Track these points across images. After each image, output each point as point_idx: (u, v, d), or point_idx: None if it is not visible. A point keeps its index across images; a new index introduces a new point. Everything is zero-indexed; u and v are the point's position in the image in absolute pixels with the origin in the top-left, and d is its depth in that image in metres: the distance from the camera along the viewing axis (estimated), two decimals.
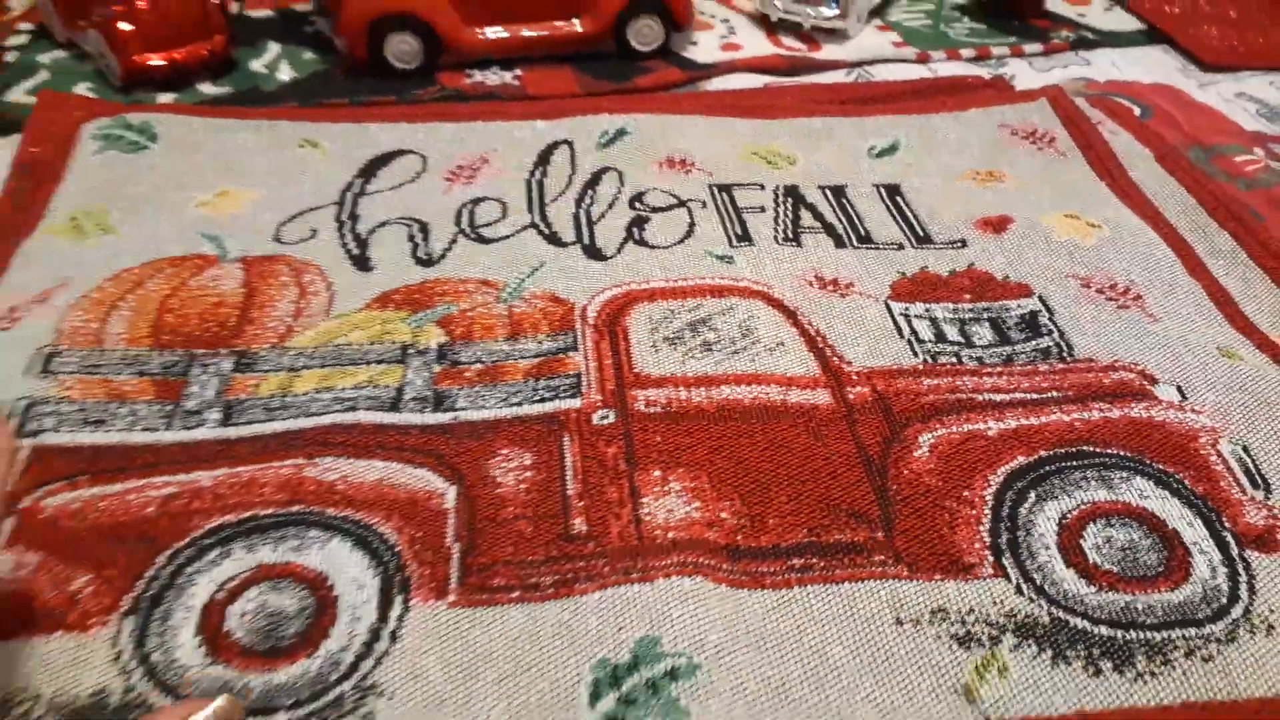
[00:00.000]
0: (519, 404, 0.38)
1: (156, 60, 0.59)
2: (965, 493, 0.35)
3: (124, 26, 0.58)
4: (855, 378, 0.40)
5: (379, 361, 0.40)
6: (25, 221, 0.47)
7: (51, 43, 0.65)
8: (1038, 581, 0.33)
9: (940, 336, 0.42)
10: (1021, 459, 0.36)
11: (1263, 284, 0.46)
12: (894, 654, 0.30)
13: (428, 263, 0.46)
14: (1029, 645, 0.31)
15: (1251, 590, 0.33)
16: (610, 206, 0.50)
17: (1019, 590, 0.32)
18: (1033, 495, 0.35)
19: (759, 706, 0.29)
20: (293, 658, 0.30)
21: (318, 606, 0.31)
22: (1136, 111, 0.61)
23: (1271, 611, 0.32)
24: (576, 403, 0.38)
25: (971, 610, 0.32)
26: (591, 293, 0.44)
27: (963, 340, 0.42)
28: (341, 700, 0.29)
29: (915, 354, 0.41)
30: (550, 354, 0.41)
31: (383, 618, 0.31)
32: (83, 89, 0.60)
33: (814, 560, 0.33)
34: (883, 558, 0.33)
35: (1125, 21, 0.74)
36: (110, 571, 0.32)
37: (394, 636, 0.31)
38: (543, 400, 0.39)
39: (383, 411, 0.38)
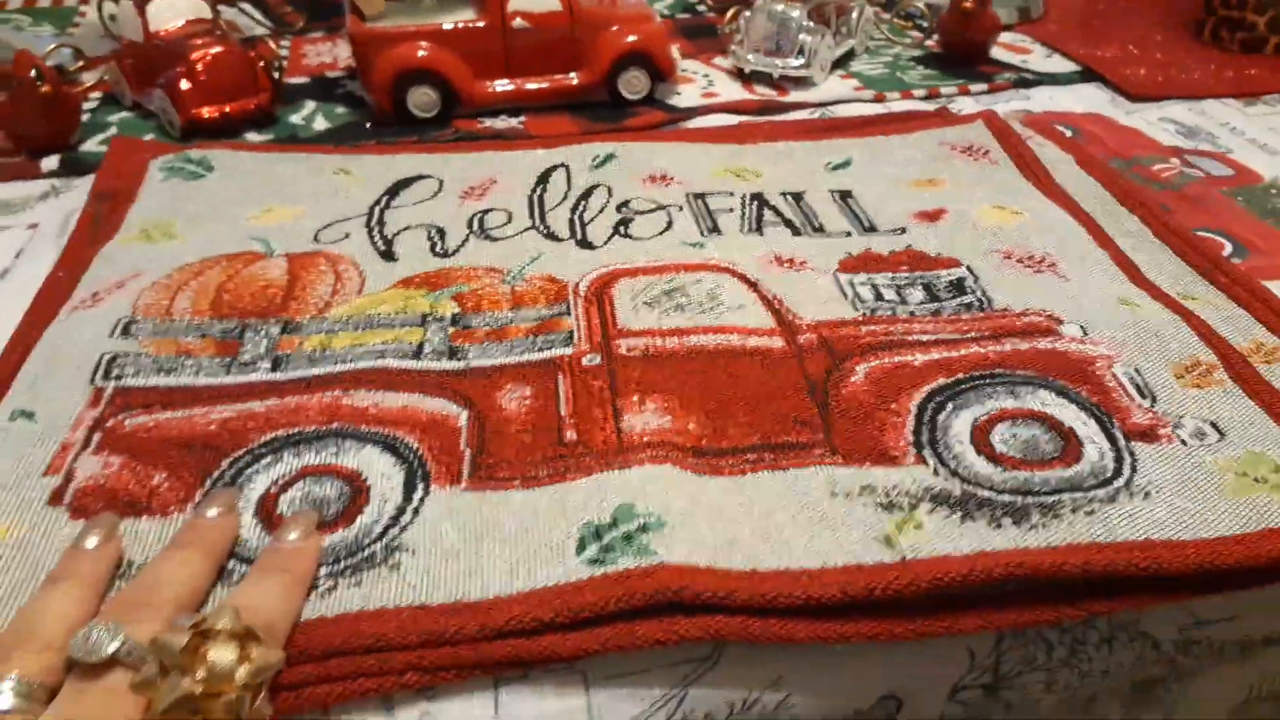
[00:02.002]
0: (521, 354, 0.46)
1: (210, 113, 0.69)
2: (893, 405, 0.42)
3: (184, 85, 0.68)
4: (805, 328, 0.47)
5: (403, 325, 0.48)
6: (104, 234, 0.55)
7: (119, 106, 0.75)
8: (952, 467, 0.39)
9: (879, 297, 0.49)
10: (942, 380, 0.43)
11: (1164, 254, 0.53)
12: (828, 516, 0.37)
13: (444, 255, 0.54)
14: (942, 509, 0.37)
15: (1134, 469, 0.39)
16: (600, 212, 0.58)
17: (935, 473, 0.39)
18: (950, 405, 0.42)
19: (715, 552, 0.35)
20: (333, 529, 0.36)
21: (353, 494, 0.38)
22: (1067, 133, 0.69)
23: (1150, 483, 0.38)
24: (569, 350, 0.46)
25: (895, 486, 0.38)
26: (582, 273, 0.52)
27: (898, 299, 0.49)
28: (374, 556, 0.35)
29: (856, 310, 0.48)
30: (547, 318, 0.48)
31: (407, 499, 0.38)
32: (148, 139, 0.69)
33: (765, 455, 0.40)
34: (821, 452, 0.40)
35: (1063, 65, 0.83)
36: (182, 471, 0.39)
37: (416, 511, 0.37)
38: (541, 350, 0.46)
39: (407, 359, 0.45)
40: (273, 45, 0.75)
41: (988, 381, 0.43)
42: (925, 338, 0.46)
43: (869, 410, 0.42)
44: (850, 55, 0.84)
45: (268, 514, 0.37)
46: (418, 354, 0.45)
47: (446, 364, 0.45)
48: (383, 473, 0.39)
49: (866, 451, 0.40)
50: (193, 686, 0.28)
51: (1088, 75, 0.81)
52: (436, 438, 0.40)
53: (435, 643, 0.32)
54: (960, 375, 0.43)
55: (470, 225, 0.57)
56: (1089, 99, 0.77)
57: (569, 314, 0.48)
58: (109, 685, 0.29)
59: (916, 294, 0.50)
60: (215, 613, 0.29)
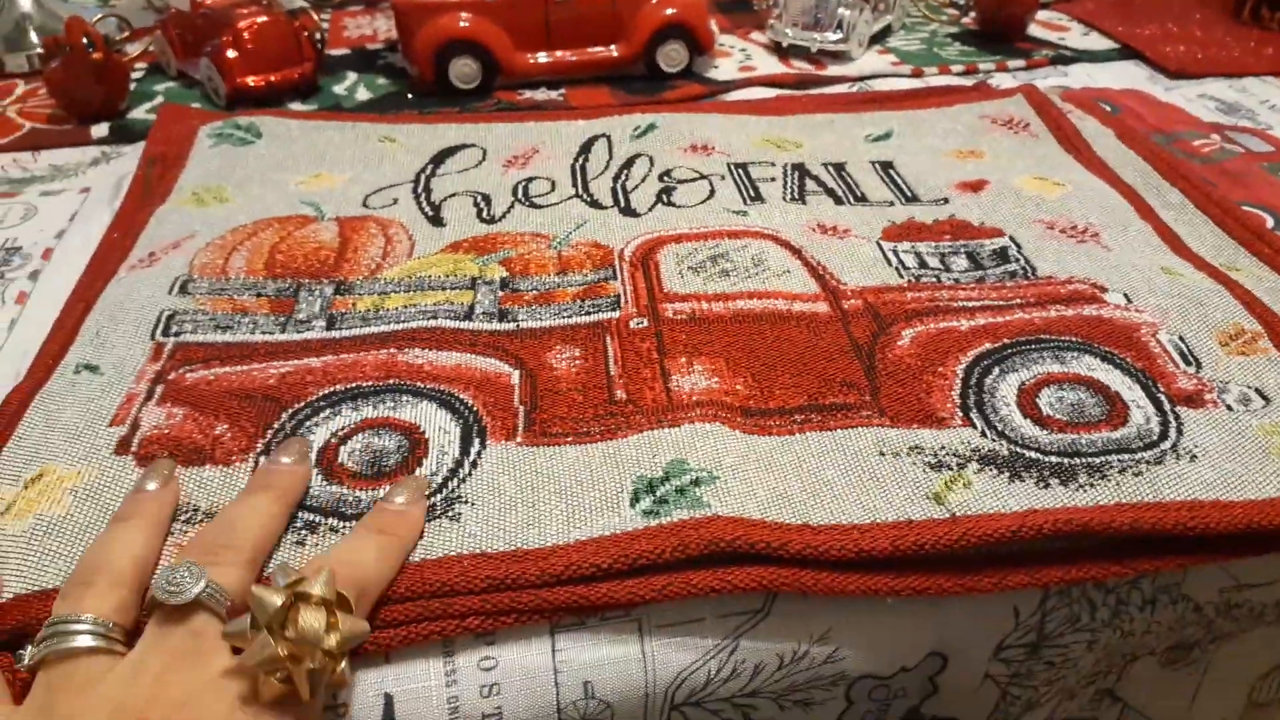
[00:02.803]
0: (569, 317, 0.46)
1: (256, 81, 0.70)
2: (940, 369, 0.42)
3: (230, 54, 0.69)
4: (850, 294, 0.47)
5: (453, 288, 0.48)
6: (156, 197, 0.56)
7: (165, 76, 0.76)
8: (999, 429, 0.39)
9: (923, 265, 0.50)
10: (988, 345, 0.44)
11: (1206, 227, 0.53)
12: (877, 474, 0.37)
13: (491, 221, 0.54)
14: (990, 469, 0.37)
15: (1179, 433, 0.39)
16: (643, 180, 0.59)
17: (983, 435, 0.39)
18: (996, 370, 0.42)
19: (767, 505, 0.36)
20: (392, 479, 0.37)
21: (411, 446, 0.39)
22: (1107, 109, 0.69)
23: (1196, 446, 0.38)
24: (616, 314, 0.46)
25: (943, 447, 0.38)
26: (627, 239, 0.52)
27: (942, 268, 0.50)
28: (435, 507, 0.36)
29: (901, 277, 0.49)
30: (594, 283, 0.49)
31: (464, 452, 0.39)
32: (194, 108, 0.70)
33: (813, 416, 0.40)
34: (869, 413, 0.40)
35: (1100, 42, 0.83)
36: (244, 422, 0.40)
37: (474, 464, 0.38)
38: (588, 314, 0.46)
39: (458, 320, 0.46)
40: (314, 16, 0.76)
41: (1033, 346, 0.43)
42: (971, 304, 0.46)
43: (916, 373, 0.42)
44: (887, 31, 0.84)
45: (328, 464, 0.38)
46: (469, 315, 0.46)
47: (497, 325, 0.46)
48: (440, 426, 0.40)
49: (914, 414, 0.40)
50: (282, 647, 0.28)
51: (1125, 53, 0.81)
52: (491, 395, 0.41)
53: (496, 588, 0.33)
54: (1006, 340, 0.44)
55: (515, 193, 0.57)
56: (1127, 76, 0.77)
57: (615, 279, 0.49)
58: (194, 628, 0.29)
59: (960, 262, 0.50)
60: (312, 574, 0.30)
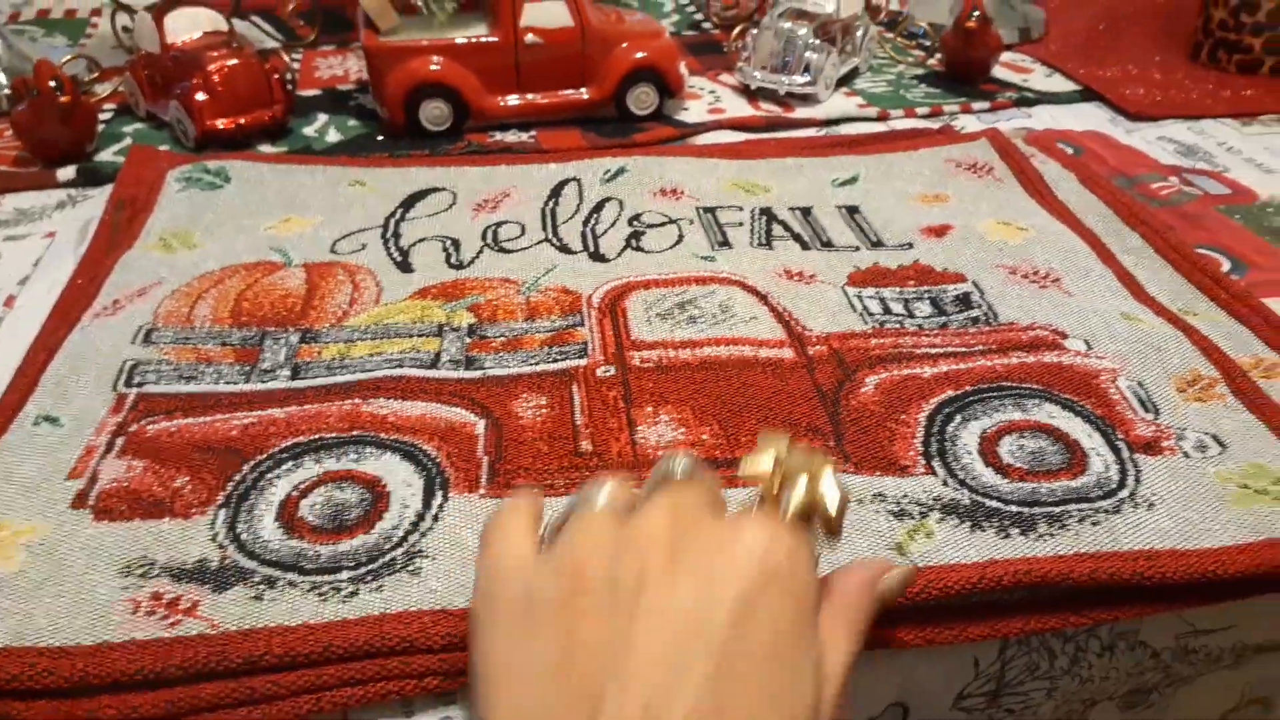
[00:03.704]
0: (536, 364, 0.46)
1: (226, 124, 0.70)
2: (903, 416, 0.43)
3: (200, 96, 0.69)
4: (815, 339, 0.48)
5: (420, 335, 0.48)
6: (123, 242, 0.56)
7: (133, 117, 0.76)
8: (961, 477, 0.40)
9: (887, 310, 0.50)
10: (950, 392, 0.44)
11: (1165, 272, 0.54)
12: None
13: (460, 266, 0.55)
14: (952, 518, 0.38)
15: (1137, 480, 0.40)
16: (612, 225, 0.59)
17: (945, 483, 0.39)
18: (958, 417, 0.43)
19: None
20: (353, 534, 0.37)
21: (374, 499, 0.39)
22: (1070, 151, 0.70)
23: (1153, 494, 0.39)
24: (583, 362, 0.46)
25: (905, 495, 0.39)
26: (596, 285, 0.52)
27: (906, 313, 0.50)
28: (394, 561, 0.36)
29: (866, 323, 0.49)
30: (562, 329, 0.49)
31: (426, 505, 0.38)
32: (163, 150, 0.70)
33: None
34: (834, 459, 0.40)
35: (1063, 84, 0.84)
36: (205, 474, 0.39)
37: (436, 518, 0.38)
38: (555, 361, 0.47)
39: (424, 369, 0.46)
40: (285, 58, 0.76)
41: (995, 394, 0.44)
42: (934, 350, 0.47)
43: (880, 420, 0.42)
44: (854, 73, 0.85)
45: (289, 518, 0.38)
46: (434, 363, 0.46)
47: (464, 373, 0.46)
48: (403, 479, 0.39)
49: (877, 460, 0.40)
50: (818, 499, 0.30)
51: (1088, 95, 0.82)
52: (454, 445, 0.41)
53: (457, 647, 0.33)
54: (968, 388, 0.44)
55: (484, 237, 0.58)
56: (1089, 118, 0.78)
57: (583, 325, 0.49)
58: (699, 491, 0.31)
59: (924, 308, 0.51)
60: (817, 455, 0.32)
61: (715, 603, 0.27)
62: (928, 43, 0.90)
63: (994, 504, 0.38)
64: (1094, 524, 0.37)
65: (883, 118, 0.78)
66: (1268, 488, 0.39)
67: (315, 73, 0.85)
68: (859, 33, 0.84)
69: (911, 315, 0.50)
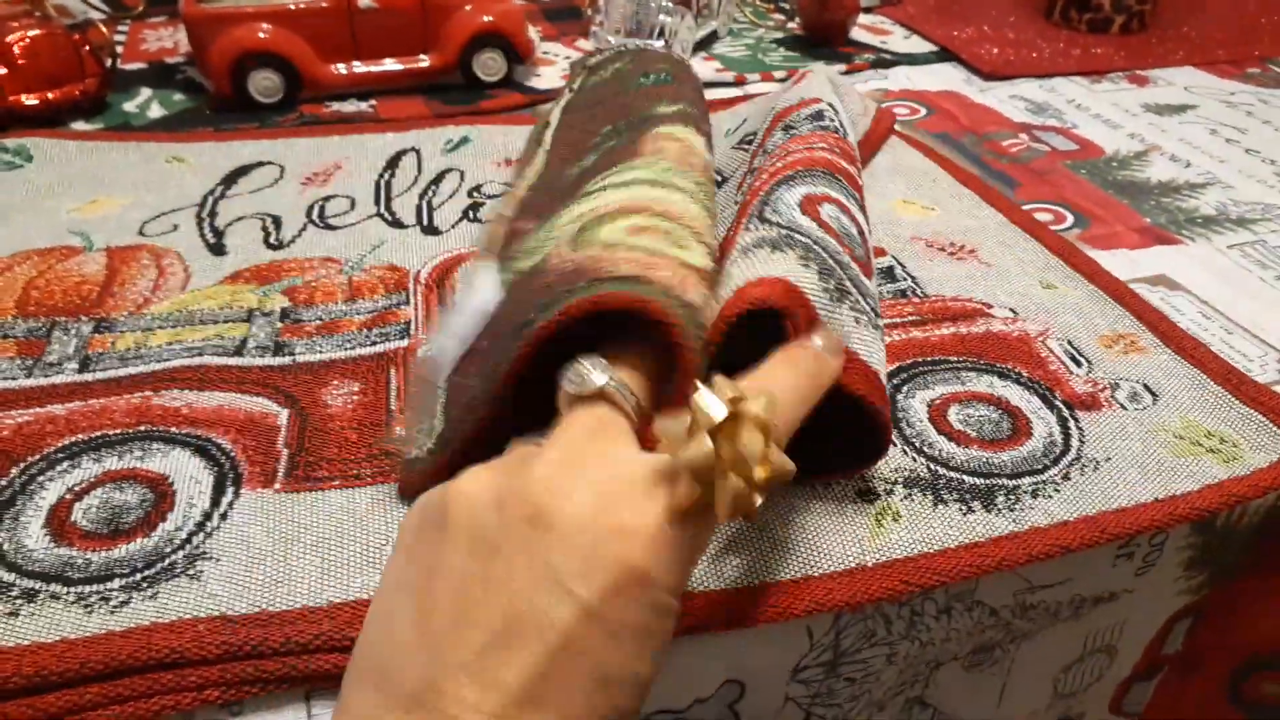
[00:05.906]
0: (352, 348, 0.43)
1: (30, 100, 0.64)
2: None
3: (1, 70, 0.63)
4: None
5: (226, 321, 0.45)
6: None
7: None
8: (917, 445, 0.39)
9: None
10: (892, 366, 0.43)
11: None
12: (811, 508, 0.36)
13: (278, 246, 0.51)
14: (915, 492, 0.37)
15: (1081, 440, 0.40)
16: (450, 196, 0.56)
17: (903, 452, 0.39)
18: (905, 388, 0.42)
19: None
20: (130, 538, 0.34)
21: (156, 499, 0.35)
22: (922, 111, 0.70)
23: (1100, 454, 0.39)
24: (405, 343, 0.44)
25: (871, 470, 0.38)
26: (425, 260, 0.50)
27: None
28: (174, 565, 0.33)
29: None
30: (384, 309, 0.46)
31: (215, 503, 0.35)
32: None
33: None
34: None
35: (921, 45, 0.84)
36: None
37: (224, 516, 0.35)
38: (374, 344, 0.44)
39: (226, 356, 0.42)
40: (105, 30, 0.71)
41: (933, 366, 0.43)
42: None
43: None
44: (713, 37, 0.84)
45: (59, 524, 0.34)
46: (239, 350, 0.43)
47: (270, 360, 0.42)
48: (191, 476, 0.36)
49: None
50: (724, 456, 0.25)
51: (943, 55, 0.82)
52: (252, 437, 0.38)
53: (235, 657, 0.30)
54: (906, 361, 0.43)
55: (309, 214, 0.54)
56: (945, 78, 0.78)
57: (408, 304, 0.46)
58: (599, 416, 0.28)
59: None
60: (754, 395, 0.27)
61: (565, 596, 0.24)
62: (787, 6, 0.88)
63: (952, 474, 0.38)
64: (1047, 497, 0.37)
65: (739, 82, 0.76)
66: (1200, 440, 0.40)
67: (142, 45, 0.79)
68: None
69: None
